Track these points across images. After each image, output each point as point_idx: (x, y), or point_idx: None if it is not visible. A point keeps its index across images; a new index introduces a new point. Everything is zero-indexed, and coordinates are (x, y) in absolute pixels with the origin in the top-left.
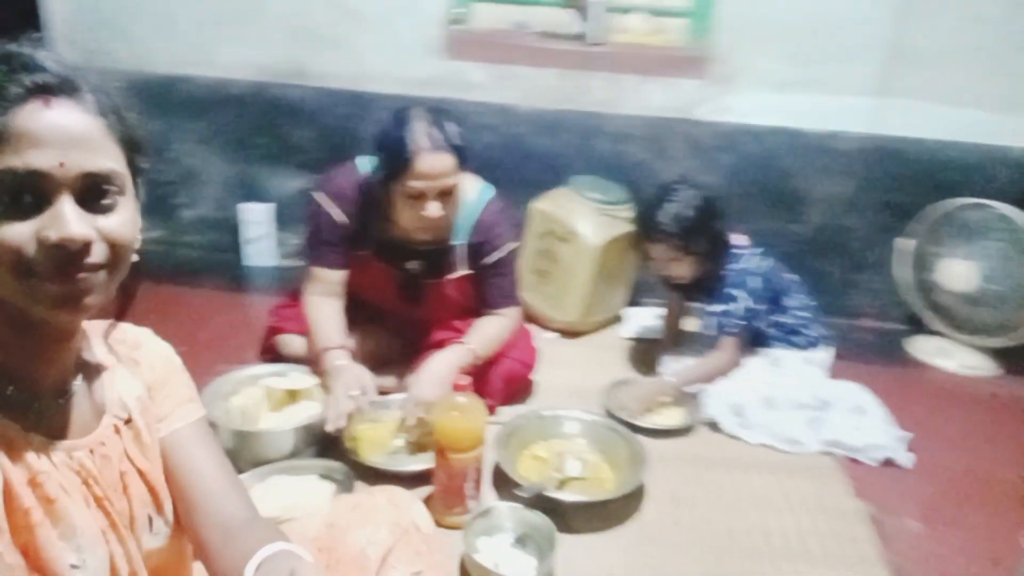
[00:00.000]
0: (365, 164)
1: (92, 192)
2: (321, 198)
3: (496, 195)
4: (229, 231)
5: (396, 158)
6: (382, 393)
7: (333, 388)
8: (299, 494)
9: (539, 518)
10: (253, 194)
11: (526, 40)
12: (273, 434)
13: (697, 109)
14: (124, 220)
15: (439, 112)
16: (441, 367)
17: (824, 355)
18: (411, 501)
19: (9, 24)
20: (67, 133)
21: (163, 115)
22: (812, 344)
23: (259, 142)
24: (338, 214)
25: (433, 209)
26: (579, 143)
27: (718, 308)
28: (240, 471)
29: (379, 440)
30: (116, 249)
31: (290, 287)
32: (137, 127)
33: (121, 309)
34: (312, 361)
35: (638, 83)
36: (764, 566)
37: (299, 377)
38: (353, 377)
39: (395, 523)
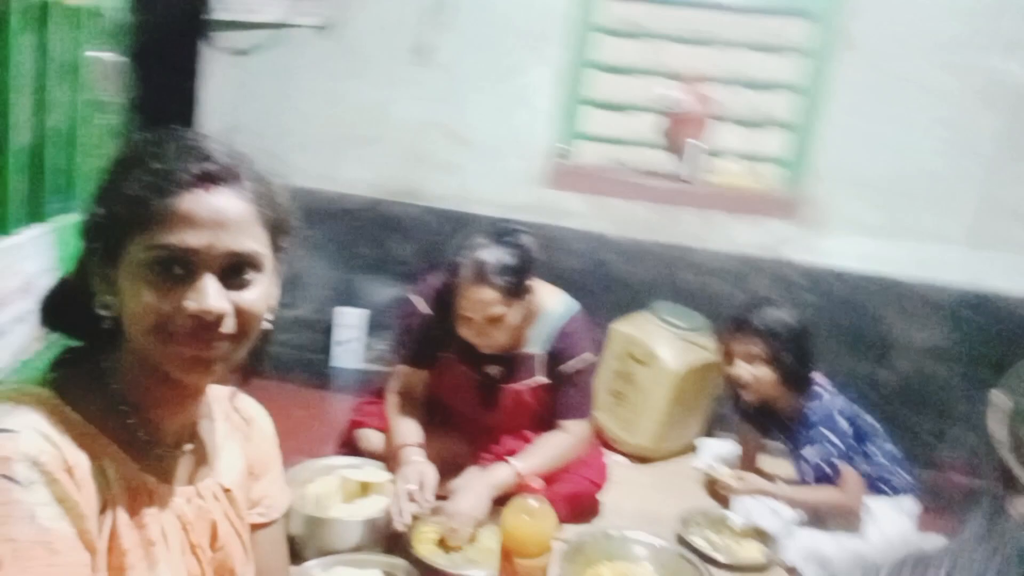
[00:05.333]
0: None
1: (234, 269)
2: (414, 297)
3: (580, 310)
4: (323, 332)
5: (450, 281)
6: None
7: (398, 484)
8: None
9: None
10: (350, 299)
11: (624, 175)
12: (342, 523)
13: (785, 249)
14: (258, 296)
15: (507, 239)
16: (480, 486)
17: (913, 504)
18: None
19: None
20: (221, 217)
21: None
22: (900, 492)
23: (363, 252)
24: (426, 313)
25: (477, 334)
26: (665, 273)
27: (812, 451)
28: (306, 558)
29: (440, 542)
30: (246, 322)
31: (372, 387)
32: (284, 212)
33: (245, 376)
34: (388, 457)
35: (727, 220)
36: None
37: (373, 471)
38: (416, 474)
39: None
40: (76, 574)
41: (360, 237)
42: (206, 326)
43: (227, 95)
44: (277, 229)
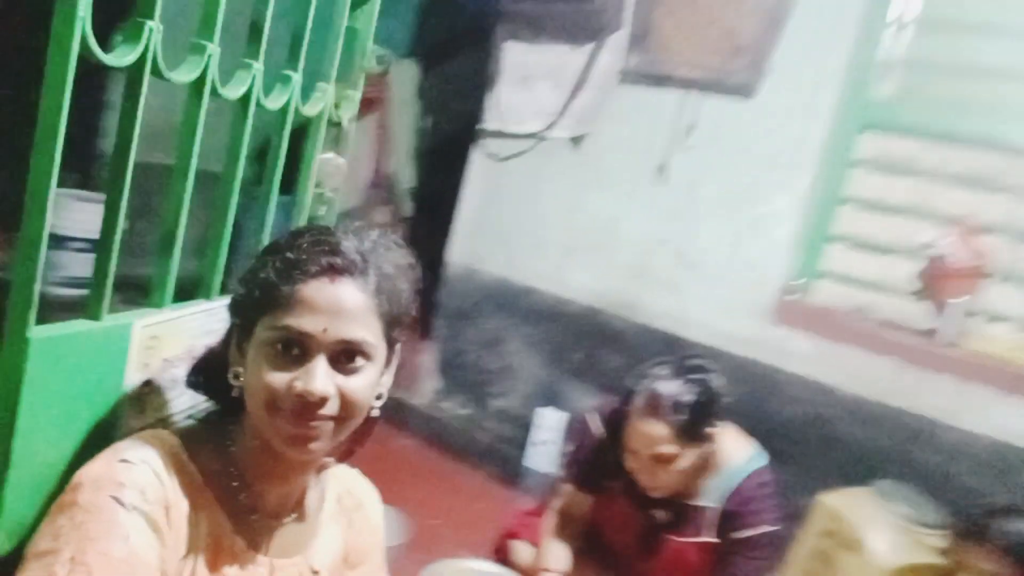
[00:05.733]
0: None
1: (345, 355)
2: (590, 415)
3: (766, 467)
4: (524, 427)
5: (622, 408)
6: None
7: None
8: None
9: None
10: (554, 401)
11: (866, 323)
12: None
13: None
14: (363, 384)
15: (693, 374)
16: None
17: None
18: None
19: (431, 225)
20: (337, 306)
21: (507, 316)
22: None
23: (575, 357)
24: (599, 435)
25: (641, 471)
26: (900, 446)
27: None
28: None
29: None
30: (348, 406)
31: (539, 498)
32: (402, 308)
33: (348, 452)
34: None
35: (991, 398)
36: None
37: None
38: None
39: None
40: None
41: (574, 342)
42: (309, 406)
43: (483, 194)
44: (393, 322)
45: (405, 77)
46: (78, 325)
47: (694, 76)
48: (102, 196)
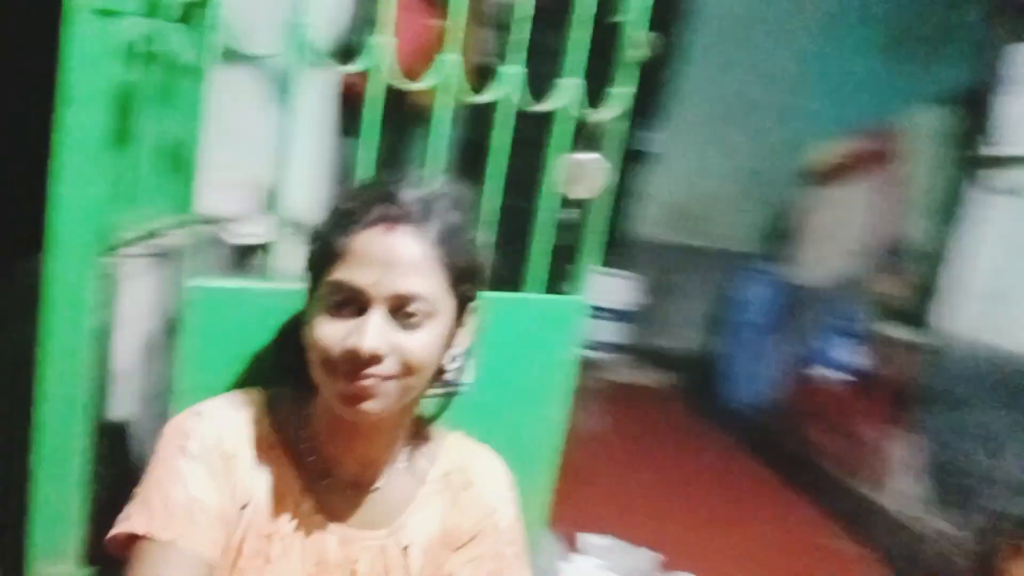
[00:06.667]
0: None
1: (402, 309)
2: None
3: None
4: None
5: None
6: None
7: None
8: None
9: None
10: None
11: None
12: None
13: None
14: (425, 341)
15: None
16: None
17: None
18: None
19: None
20: (390, 257)
21: (1018, 406)
22: None
23: None
24: None
25: None
26: None
27: None
28: None
29: None
30: (407, 365)
31: None
32: (471, 259)
33: (418, 429)
34: None
35: None
36: None
37: None
38: None
39: None
40: (206, 541)
41: None
42: (361, 363)
43: (991, 243)
44: (462, 275)
45: (926, 127)
46: (241, 282)
47: None
48: (630, 273)
